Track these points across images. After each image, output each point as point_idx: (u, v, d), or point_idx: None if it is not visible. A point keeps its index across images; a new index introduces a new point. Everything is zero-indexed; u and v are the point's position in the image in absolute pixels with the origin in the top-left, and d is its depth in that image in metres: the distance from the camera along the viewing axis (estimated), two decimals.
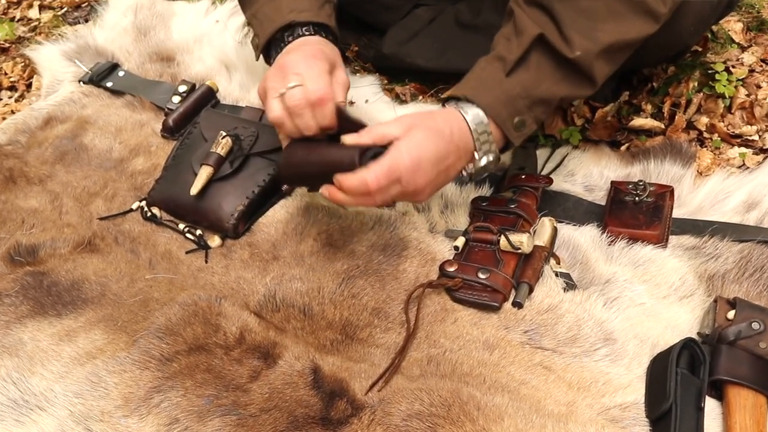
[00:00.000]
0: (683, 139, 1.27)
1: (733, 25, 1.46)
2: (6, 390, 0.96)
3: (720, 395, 0.91)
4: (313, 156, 0.99)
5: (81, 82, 1.52)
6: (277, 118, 1.00)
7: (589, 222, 1.14)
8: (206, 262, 1.14)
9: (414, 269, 1.09)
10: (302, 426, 0.89)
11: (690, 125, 1.31)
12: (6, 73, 1.69)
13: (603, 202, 1.17)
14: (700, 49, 1.41)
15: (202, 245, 1.16)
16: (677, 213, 1.14)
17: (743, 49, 1.43)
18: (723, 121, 1.30)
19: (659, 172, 1.20)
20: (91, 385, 0.95)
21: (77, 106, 1.47)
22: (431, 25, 1.42)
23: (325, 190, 0.97)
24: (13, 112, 1.55)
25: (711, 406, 0.90)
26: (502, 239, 1.06)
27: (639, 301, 1.03)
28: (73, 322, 1.03)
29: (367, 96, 1.43)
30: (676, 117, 1.31)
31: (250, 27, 1.21)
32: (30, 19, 1.86)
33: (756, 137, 1.27)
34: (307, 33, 1.09)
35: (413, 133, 0.94)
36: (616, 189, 1.16)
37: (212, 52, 1.55)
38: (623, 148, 1.30)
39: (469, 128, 0.98)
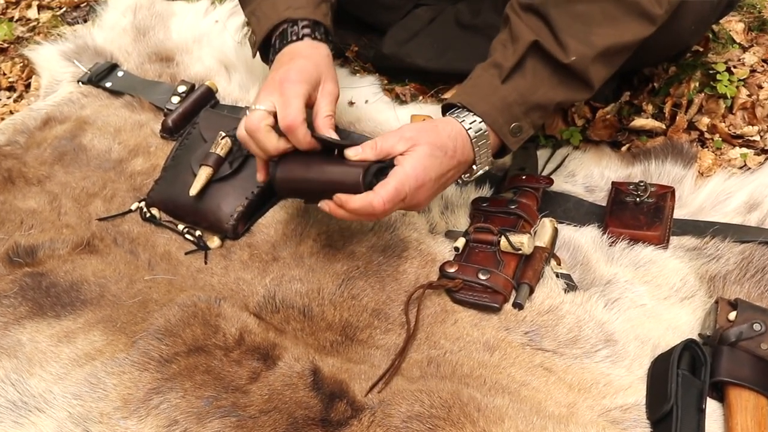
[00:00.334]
0: (684, 140, 1.27)
1: (734, 25, 1.46)
2: (4, 391, 0.95)
3: (721, 397, 0.91)
4: (313, 172, 0.99)
5: (80, 83, 1.51)
6: (240, 136, 1.02)
7: (590, 223, 1.14)
8: (205, 263, 1.14)
9: (414, 270, 1.08)
10: (302, 428, 0.88)
11: (691, 126, 1.31)
12: (4, 74, 1.68)
13: (604, 203, 1.16)
14: (701, 49, 1.40)
15: (201, 246, 1.16)
16: (678, 214, 1.13)
17: (744, 49, 1.42)
18: (724, 122, 1.30)
19: (660, 172, 1.20)
20: (90, 387, 0.94)
21: (76, 106, 1.47)
22: (431, 25, 1.42)
23: (325, 205, 0.97)
24: (11, 113, 1.55)
25: (712, 407, 0.90)
26: (503, 240, 1.06)
27: (640, 303, 1.03)
28: (72, 323, 1.03)
29: (367, 96, 1.43)
30: (677, 117, 1.30)
31: (248, 25, 1.21)
32: (29, 19, 1.85)
33: (757, 138, 1.26)
34: (305, 30, 1.08)
35: (417, 150, 0.95)
36: (617, 190, 1.16)
37: (212, 53, 1.55)
38: (624, 148, 1.30)
39: (471, 142, 0.99)
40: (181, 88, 1.42)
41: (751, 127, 1.28)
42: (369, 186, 0.95)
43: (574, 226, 1.14)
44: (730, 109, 1.32)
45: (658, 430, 0.89)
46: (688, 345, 0.93)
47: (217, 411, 0.90)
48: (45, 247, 1.14)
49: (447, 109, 1.05)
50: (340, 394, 0.91)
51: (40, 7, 1.88)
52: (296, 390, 0.92)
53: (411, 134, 0.97)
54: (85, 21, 1.79)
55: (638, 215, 1.11)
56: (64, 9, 1.86)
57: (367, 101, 1.42)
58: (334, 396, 0.91)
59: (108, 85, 1.49)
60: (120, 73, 1.51)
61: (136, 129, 1.38)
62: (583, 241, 1.10)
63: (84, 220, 1.22)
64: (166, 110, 1.40)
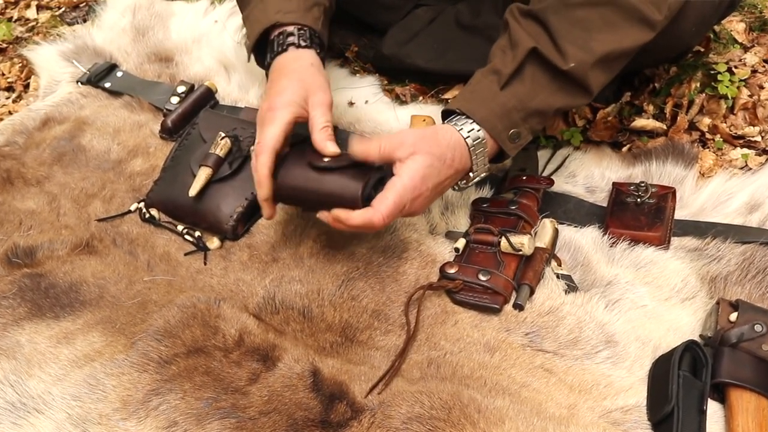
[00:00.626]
0: (685, 140, 1.26)
1: (735, 26, 1.45)
2: (3, 393, 0.95)
3: (722, 398, 0.91)
4: (311, 184, 0.99)
5: (79, 83, 1.51)
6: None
7: (591, 223, 1.14)
8: (205, 263, 1.14)
9: (414, 271, 1.08)
10: (302, 429, 0.88)
11: (692, 126, 1.30)
12: (3, 74, 1.68)
13: (604, 204, 1.16)
14: (702, 50, 1.40)
15: (200, 247, 1.16)
16: (679, 214, 1.13)
17: (746, 49, 1.42)
18: (725, 122, 1.30)
19: (661, 173, 1.19)
20: (89, 388, 0.94)
21: (75, 106, 1.47)
22: (431, 25, 1.41)
23: (323, 216, 0.98)
24: (10, 113, 1.55)
25: (713, 409, 0.90)
26: (503, 241, 1.05)
27: (641, 303, 1.02)
28: (71, 324, 1.03)
29: (367, 96, 1.43)
30: (678, 118, 1.30)
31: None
32: (27, 20, 1.85)
33: (758, 138, 1.26)
34: (290, 39, 1.08)
35: (416, 160, 0.95)
36: (618, 190, 1.15)
37: (211, 53, 1.54)
38: (625, 149, 1.29)
39: (469, 150, 1.00)
40: (181, 89, 1.42)
41: (752, 127, 1.28)
42: (368, 198, 0.96)
43: (575, 226, 1.14)
44: (731, 110, 1.32)
45: (659, 431, 0.88)
46: (689, 346, 0.93)
47: (216, 412, 0.90)
48: (44, 247, 1.14)
49: (447, 115, 1.05)
50: (340, 395, 0.91)
51: (39, 7, 1.88)
52: (296, 391, 0.92)
53: (412, 141, 0.97)
54: (84, 21, 1.79)
55: (639, 216, 1.11)
56: (63, 9, 1.86)
57: (367, 102, 1.42)
58: (334, 397, 0.91)
59: (107, 85, 1.49)
60: (119, 74, 1.51)
61: (136, 129, 1.38)
62: (583, 241, 1.10)
63: (83, 220, 1.22)
64: (165, 111, 1.40)
